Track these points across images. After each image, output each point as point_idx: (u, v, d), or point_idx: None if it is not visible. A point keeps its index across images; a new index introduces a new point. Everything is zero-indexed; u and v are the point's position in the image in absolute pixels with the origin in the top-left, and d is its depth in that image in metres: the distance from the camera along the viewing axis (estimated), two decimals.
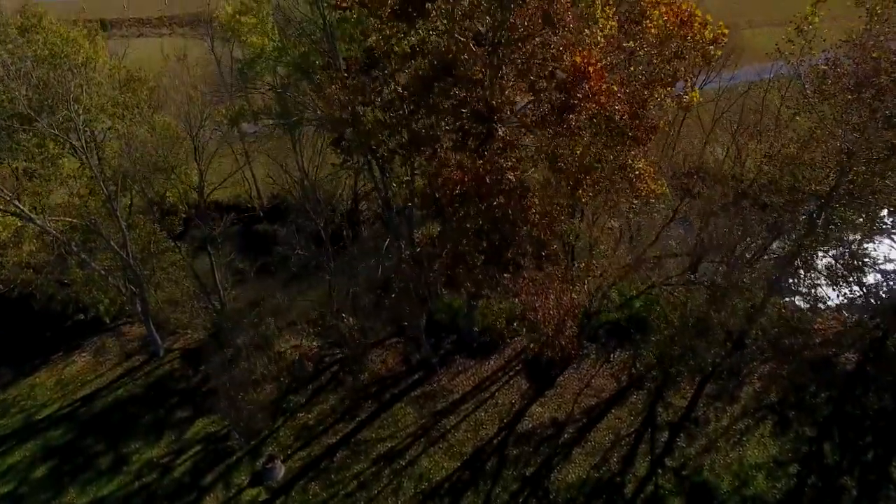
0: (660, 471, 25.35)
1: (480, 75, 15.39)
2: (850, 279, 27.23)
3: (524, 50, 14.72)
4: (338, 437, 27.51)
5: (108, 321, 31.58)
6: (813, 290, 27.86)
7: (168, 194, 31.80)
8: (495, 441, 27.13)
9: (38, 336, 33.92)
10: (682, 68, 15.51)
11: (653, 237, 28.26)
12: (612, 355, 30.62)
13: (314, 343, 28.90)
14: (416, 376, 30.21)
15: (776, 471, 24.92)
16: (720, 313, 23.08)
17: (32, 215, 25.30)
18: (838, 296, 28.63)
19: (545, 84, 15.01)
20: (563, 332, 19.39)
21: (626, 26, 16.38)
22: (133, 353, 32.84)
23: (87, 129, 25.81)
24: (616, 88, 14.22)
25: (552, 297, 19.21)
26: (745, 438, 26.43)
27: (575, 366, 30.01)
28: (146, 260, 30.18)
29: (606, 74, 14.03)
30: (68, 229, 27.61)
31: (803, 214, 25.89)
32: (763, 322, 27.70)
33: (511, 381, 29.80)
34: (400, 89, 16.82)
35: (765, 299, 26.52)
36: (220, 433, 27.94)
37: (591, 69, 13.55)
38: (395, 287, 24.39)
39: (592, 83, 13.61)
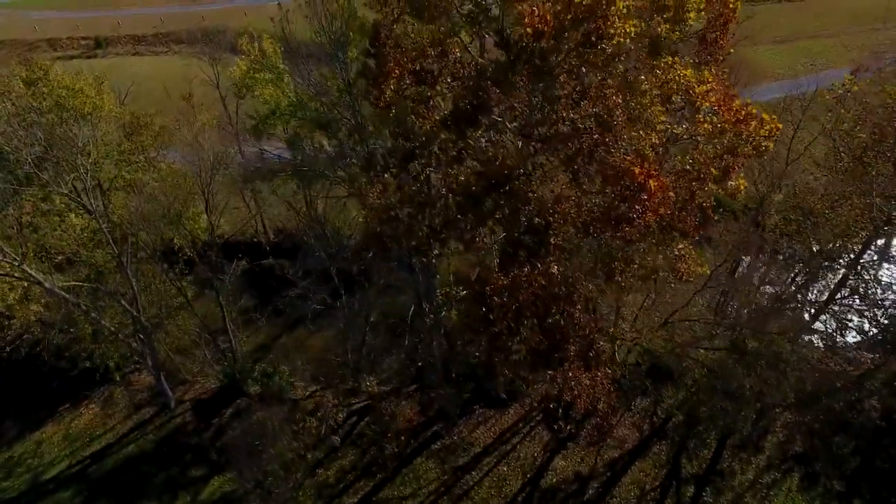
0: None
1: (535, 186, 14.85)
2: (873, 321, 27.06)
3: (571, 146, 14.19)
4: (359, 497, 26.93)
5: (118, 378, 30.56)
6: (837, 335, 27.72)
7: (176, 239, 30.88)
8: (519, 498, 26.67)
9: (44, 386, 32.89)
10: (733, 161, 15.10)
11: (681, 300, 27.80)
12: (633, 403, 30.13)
13: (340, 416, 28.23)
14: (436, 427, 29.60)
15: None
16: (750, 376, 22.68)
17: (40, 277, 24.43)
18: (859, 336, 28.48)
19: (593, 177, 14.51)
20: (598, 409, 18.91)
21: (668, 106, 15.83)
22: (142, 405, 31.88)
23: (93, 178, 24.97)
24: (672, 194, 13.71)
25: (586, 374, 18.70)
26: (772, 493, 26.14)
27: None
28: (157, 315, 29.34)
29: (667, 184, 13.50)
30: (76, 287, 26.72)
31: (829, 266, 25.62)
32: (789, 373, 27.35)
33: (532, 433, 29.29)
34: (444, 190, 16.32)
35: (790, 353, 26.17)
36: (237, 493, 27.23)
37: (651, 182, 13.06)
38: (423, 358, 23.70)
39: (651, 195, 13.13)
